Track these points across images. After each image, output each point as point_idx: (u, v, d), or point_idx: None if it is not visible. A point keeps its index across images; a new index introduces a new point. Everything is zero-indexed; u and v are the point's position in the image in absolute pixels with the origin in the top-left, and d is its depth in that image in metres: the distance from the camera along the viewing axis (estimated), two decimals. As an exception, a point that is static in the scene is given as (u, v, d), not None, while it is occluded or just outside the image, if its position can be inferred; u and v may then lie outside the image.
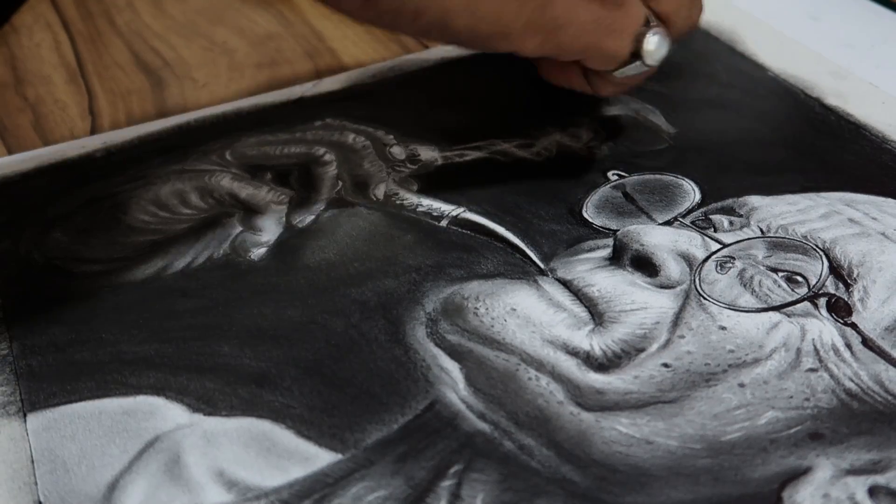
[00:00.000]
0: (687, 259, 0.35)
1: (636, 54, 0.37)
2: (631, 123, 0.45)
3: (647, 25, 0.37)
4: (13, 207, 0.42)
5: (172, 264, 0.38)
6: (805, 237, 0.36)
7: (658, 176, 0.41)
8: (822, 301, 0.33)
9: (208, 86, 0.52)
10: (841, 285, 0.34)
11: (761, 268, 0.35)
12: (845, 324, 0.32)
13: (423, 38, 0.35)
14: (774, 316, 0.33)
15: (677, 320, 0.33)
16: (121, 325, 0.35)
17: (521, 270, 0.36)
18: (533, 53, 0.36)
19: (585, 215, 0.39)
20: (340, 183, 0.42)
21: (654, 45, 0.37)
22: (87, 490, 0.29)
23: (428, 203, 0.40)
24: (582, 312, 0.34)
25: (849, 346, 0.32)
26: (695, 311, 0.33)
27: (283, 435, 0.31)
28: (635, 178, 0.41)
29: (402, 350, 0.33)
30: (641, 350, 0.32)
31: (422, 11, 0.33)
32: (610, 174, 0.41)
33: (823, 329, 0.32)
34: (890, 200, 0.38)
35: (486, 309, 0.34)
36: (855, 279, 0.34)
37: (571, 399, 0.31)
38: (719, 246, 0.36)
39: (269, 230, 0.40)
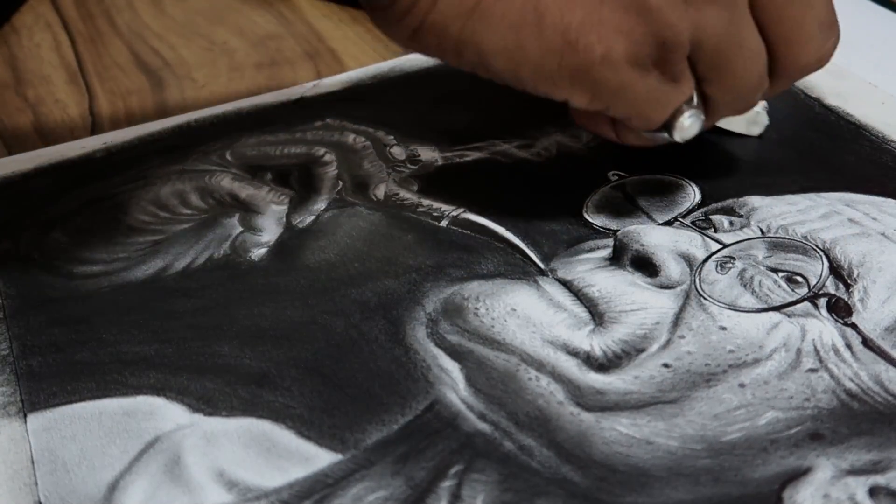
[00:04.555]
0: (687, 259, 0.35)
1: (667, 125, 0.36)
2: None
3: (688, 103, 0.35)
4: (13, 207, 0.42)
5: (172, 264, 0.38)
6: (805, 237, 0.36)
7: (658, 176, 0.41)
8: (823, 301, 0.33)
9: (208, 86, 0.52)
10: (841, 285, 0.34)
11: (761, 268, 0.35)
12: (845, 324, 0.32)
13: (473, 72, 0.34)
14: (774, 316, 0.33)
15: (677, 320, 0.33)
16: (121, 325, 0.35)
17: (522, 271, 0.36)
18: (585, 107, 0.35)
19: (586, 215, 0.39)
20: (340, 183, 0.42)
21: (687, 125, 0.35)
22: (87, 490, 0.29)
23: (428, 203, 0.40)
24: (582, 313, 0.34)
25: (849, 346, 0.32)
26: (695, 312, 0.33)
27: (283, 435, 0.31)
28: (635, 178, 0.41)
29: (403, 350, 0.33)
30: (642, 350, 0.32)
31: (461, 50, 0.33)
32: (610, 174, 0.41)
33: (824, 329, 0.32)
34: (890, 201, 0.38)
35: (487, 309, 0.34)
36: (855, 279, 0.34)
37: (572, 399, 0.31)
38: (719, 246, 0.36)
39: (270, 230, 0.40)
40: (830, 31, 0.36)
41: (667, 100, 0.34)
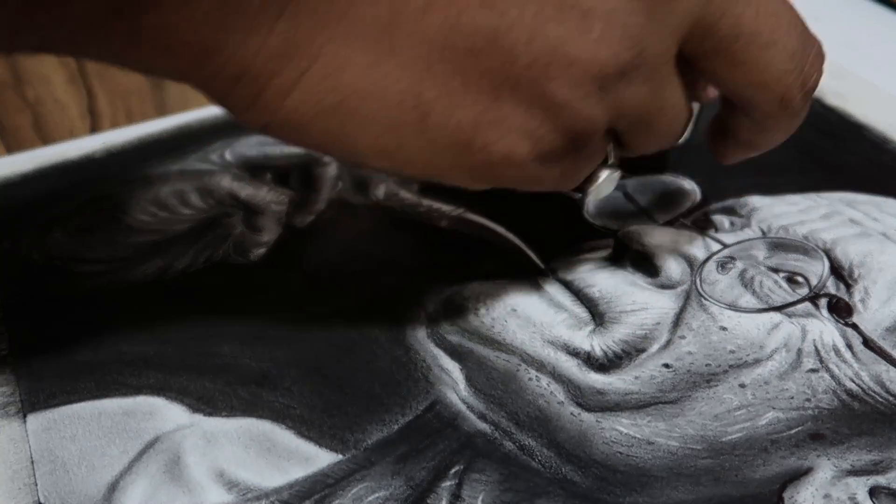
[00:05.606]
0: (688, 259, 0.35)
1: (580, 187, 0.32)
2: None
3: (603, 163, 0.32)
4: (13, 207, 0.42)
5: (172, 264, 0.38)
6: (806, 237, 0.36)
7: (658, 176, 0.41)
8: (823, 301, 0.33)
9: (208, 86, 0.52)
10: (842, 286, 0.34)
11: (762, 268, 0.35)
12: (846, 324, 0.32)
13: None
14: (775, 316, 0.33)
15: (678, 321, 0.33)
16: (121, 325, 0.35)
17: (522, 271, 0.36)
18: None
19: (586, 215, 0.39)
20: (340, 183, 0.42)
21: (604, 189, 0.33)
22: (87, 491, 0.29)
23: (428, 203, 0.40)
24: (582, 313, 0.34)
25: (850, 346, 0.32)
26: (695, 312, 0.33)
27: (283, 435, 0.31)
28: (636, 178, 0.41)
29: (403, 350, 0.33)
30: (642, 350, 0.32)
31: (326, 149, 0.28)
32: (610, 174, 0.41)
33: (824, 329, 0.32)
34: (890, 200, 0.38)
35: (487, 309, 0.34)
36: (856, 279, 0.34)
37: (572, 399, 0.31)
38: (720, 246, 0.36)
39: (269, 230, 0.40)
40: (808, 43, 0.30)
41: (580, 174, 0.31)
